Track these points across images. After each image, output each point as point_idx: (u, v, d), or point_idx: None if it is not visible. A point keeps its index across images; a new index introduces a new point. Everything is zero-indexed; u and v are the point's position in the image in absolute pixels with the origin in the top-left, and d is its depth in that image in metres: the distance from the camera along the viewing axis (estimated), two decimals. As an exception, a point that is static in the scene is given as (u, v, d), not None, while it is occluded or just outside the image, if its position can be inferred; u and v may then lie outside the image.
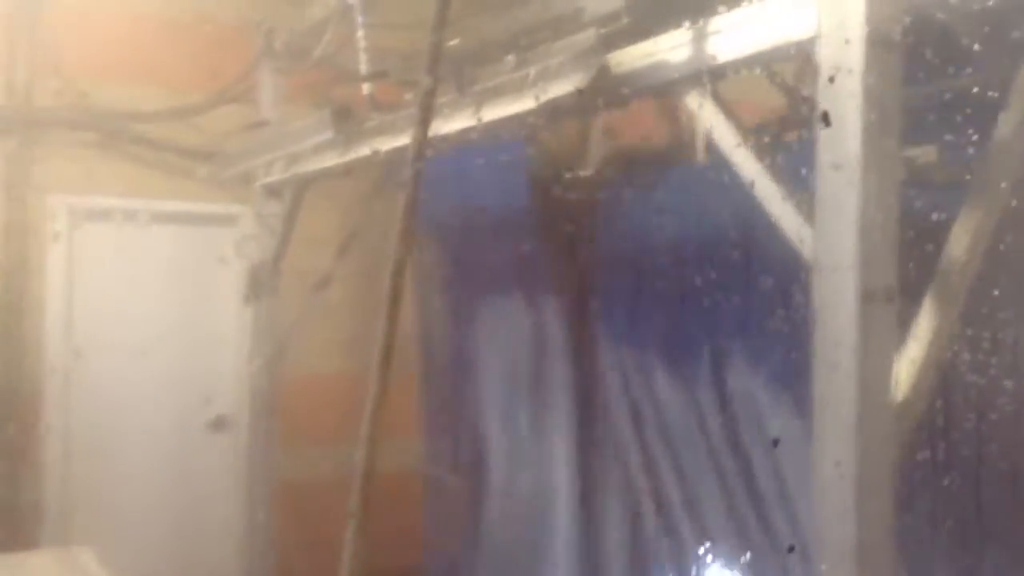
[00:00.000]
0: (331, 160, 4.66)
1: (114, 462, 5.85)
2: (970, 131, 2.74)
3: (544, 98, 3.19)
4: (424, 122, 2.19)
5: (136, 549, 5.41)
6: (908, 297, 2.43)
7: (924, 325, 2.51)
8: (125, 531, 5.68)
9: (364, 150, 4.33)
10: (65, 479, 5.71)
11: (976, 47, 2.65)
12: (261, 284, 5.59)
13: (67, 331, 5.74)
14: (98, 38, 5.64)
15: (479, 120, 3.42)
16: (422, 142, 2.20)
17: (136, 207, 5.87)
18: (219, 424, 6.15)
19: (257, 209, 5.65)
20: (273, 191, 5.54)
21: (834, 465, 2.30)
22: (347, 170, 4.82)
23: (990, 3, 2.41)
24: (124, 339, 5.88)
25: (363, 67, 4.02)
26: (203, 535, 6.05)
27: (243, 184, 5.74)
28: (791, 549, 2.26)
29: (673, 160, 4.52)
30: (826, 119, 2.16)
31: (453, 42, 3.44)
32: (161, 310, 6.00)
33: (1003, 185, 2.57)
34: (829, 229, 2.37)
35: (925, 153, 2.69)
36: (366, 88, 4.04)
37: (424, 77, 2.26)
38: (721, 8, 2.79)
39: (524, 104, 3.27)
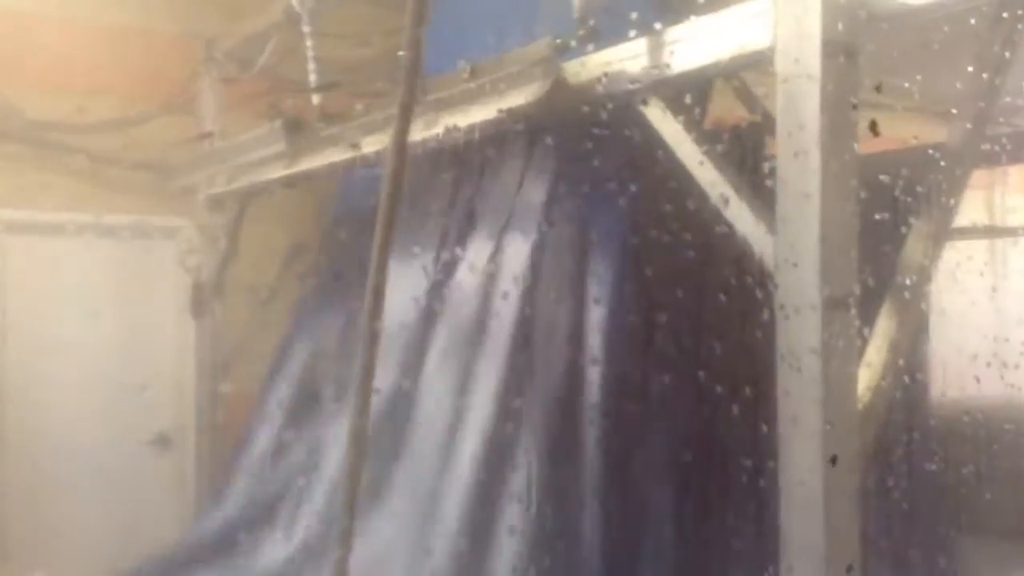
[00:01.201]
0: (277, 172, 4.58)
1: (51, 481, 5.67)
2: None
3: (500, 108, 3.18)
4: (401, 146, 2.16)
5: (76, 573, 5.25)
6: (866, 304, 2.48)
7: (882, 331, 2.56)
8: (64, 554, 5.51)
9: (312, 162, 4.28)
10: (1, 502, 5.52)
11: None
12: (205, 298, 5.47)
13: (0, 348, 5.55)
14: (32, 47, 5.48)
15: (438, 128, 3.38)
16: (401, 163, 2.16)
17: (72, 220, 5.70)
18: (161, 442, 6.00)
19: (200, 222, 5.54)
20: (216, 203, 5.44)
21: (800, 469, 2.33)
22: (293, 181, 4.75)
23: (941, 12, 2.47)
24: (61, 355, 5.71)
25: (312, 77, 3.96)
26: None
27: (184, 196, 5.62)
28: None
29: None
30: (874, 128, 2.19)
31: (402, 52, 3.42)
32: (100, 326, 5.83)
33: (955, 193, 2.63)
34: (790, 236, 2.40)
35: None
36: (315, 99, 3.98)
37: (402, 96, 2.23)
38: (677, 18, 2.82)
39: (481, 114, 3.26)
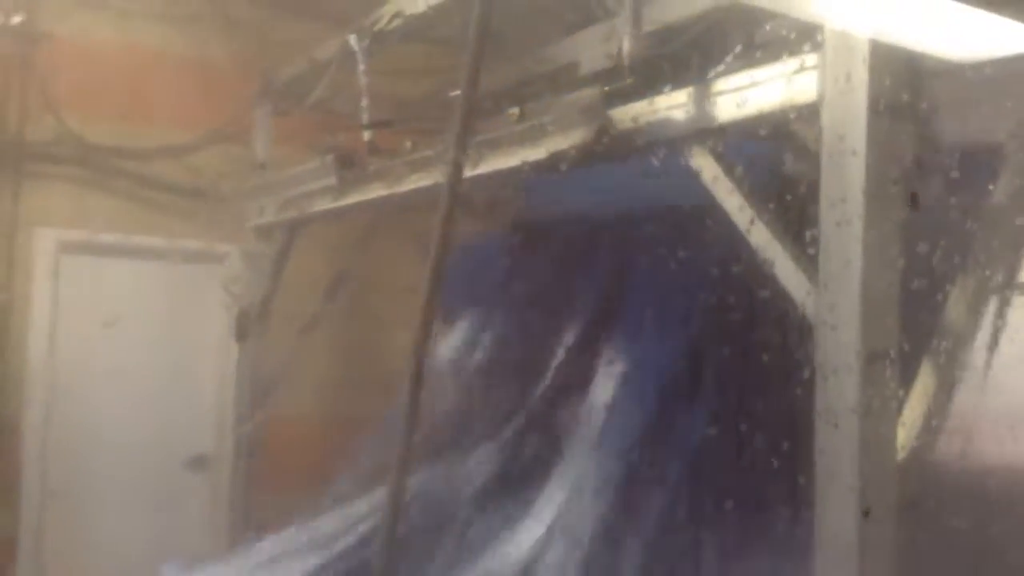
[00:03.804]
0: (326, 204, 4.68)
1: (92, 499, 5.77)
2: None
3: (545, 153, 3.24)
4: (452, 196, 2.21)
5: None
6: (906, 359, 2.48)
7: (922, 387, 2.56)
8: (102, 570, 5.60)
9: (360, 196, 4.36)
10: (41, 516, 5.62)
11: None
12: (249, 324, 5.57)
13: (49, 366, 5.68)
14: (92, 74, 5.65)
15: (484, 169, 3.45)
16: (450, 214, 2.22)
17: (124, 243, 5.84)
18: (198, 463, 6.08)
19: (247, 249, 5.65)
20: (264, 232, 5.55)
21: (836, 524, 2.33)
22: (339, 214, 4.84)
23: (988, 70, 2.48)
24: (107, 374, 5.83)
25: (364, 114, 4.05)
26: None
27: (233, 224, 5.74)
28: None
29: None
30: (915, 202, 2.21)
31: (454, 93, 3.49)
32: (145, 347, 5.95)
33: (999, 251, 2.63)
34: (832, 289, 2.41)
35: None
36: (366, 135, 4.07)
37: (452, 151, 2.29)
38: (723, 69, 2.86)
39: (527, 156, 3.31)
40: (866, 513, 2.21)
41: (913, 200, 2.27)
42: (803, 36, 2.58)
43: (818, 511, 2.34)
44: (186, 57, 5.83)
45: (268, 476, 5.84)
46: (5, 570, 5.45)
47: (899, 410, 2.40)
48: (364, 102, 4.07)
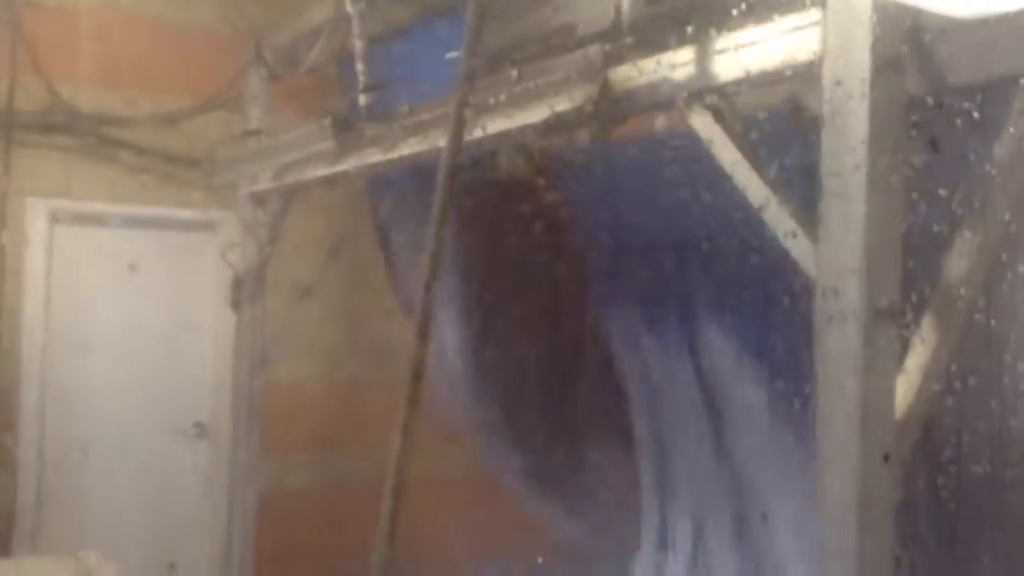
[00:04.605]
0: (321, 170, 4.65)
1: (89, 468, 5.79)
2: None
3: (546, 113, 3.22)
4: (454, 153, 2.20)
5: (112, 557, 5.34)
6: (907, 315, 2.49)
7: (924, 343, 2.56)
8: (100, 538, 5.61)
9: (356, 161, 4.34)
10: (39, 485, 5.63)
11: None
12: (245, 291, 5.56)
13: (44, 336, 5.66)
14: (83, 42, 5.60)
15: (482, 132, 3.42)
16: (452, 169, 2.21)
17: (117, 212, 5.81)
18: (197, 431, 6.10)
19: (242, 216, 5.63)
20: (259, 198, 5.53)
21: (836, 480, 2.34)
22: (333, 180, 4.82)
23: (991, 25, 2.46)
24: (102, 344, 5.82)
25: (361, 78, 4.02)
26: (181, 543, 5.99)
27: (228, 191, 5.71)
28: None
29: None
30: (935, 145, 2.20)
31: (452, 55, 3.46)
32: (141, 316, 5.94)
33: (1002, 205, 2.63)
34: (833, 246, 2.41)
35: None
36: (362, 99, 4.04)
37: (454, 108, 2.27)
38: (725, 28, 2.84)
39: (526, 118, 3.29)
40: (886, 458, 2.22)
41: (933, 144, 2.26)
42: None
43: (821, 460, 2.36)
44: (180, 23, 5.77)
45: (266, 441, 5.87)
46: (3, 539, 5.46)
47: (903, 362, 2.42)
48: (360, 66, 4.03)
